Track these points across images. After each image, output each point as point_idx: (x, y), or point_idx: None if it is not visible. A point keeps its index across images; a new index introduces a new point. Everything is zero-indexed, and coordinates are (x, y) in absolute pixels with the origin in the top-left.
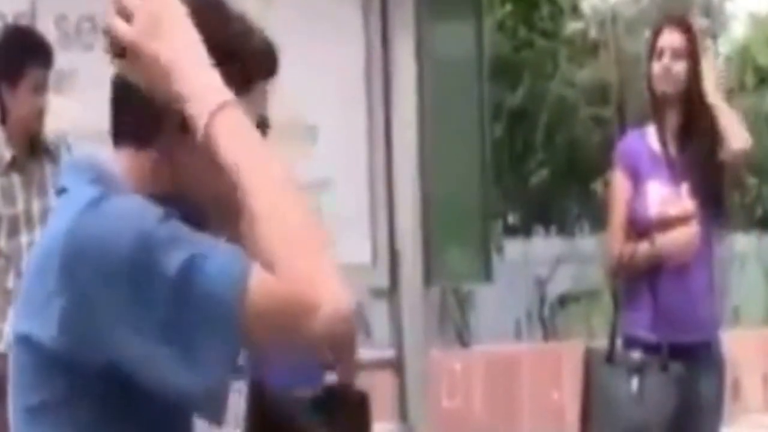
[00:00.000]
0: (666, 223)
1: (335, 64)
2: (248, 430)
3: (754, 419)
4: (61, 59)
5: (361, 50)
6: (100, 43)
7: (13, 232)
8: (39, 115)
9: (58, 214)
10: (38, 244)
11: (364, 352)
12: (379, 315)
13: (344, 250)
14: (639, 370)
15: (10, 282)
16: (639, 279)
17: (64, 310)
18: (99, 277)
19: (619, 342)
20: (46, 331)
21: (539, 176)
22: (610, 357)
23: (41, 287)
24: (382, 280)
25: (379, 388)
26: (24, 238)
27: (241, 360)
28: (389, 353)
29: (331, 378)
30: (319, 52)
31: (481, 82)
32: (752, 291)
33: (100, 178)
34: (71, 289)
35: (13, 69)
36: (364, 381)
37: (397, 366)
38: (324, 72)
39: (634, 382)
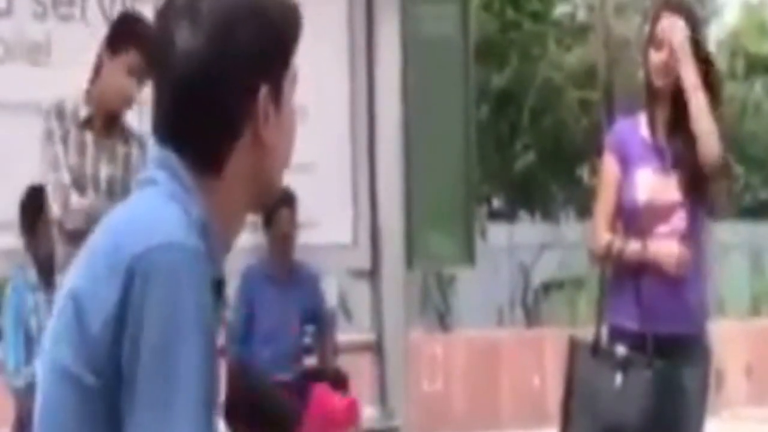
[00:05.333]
0: (654, 211)
1: (319, 44)
2: (228, 409)
3: (736, 411)
4: (37, 30)
5: (345, 31)
6: (77, 15)
7: (80, 188)
8: (121, 95)
9: (142, 205)
10: (117, 217)
11: (345, 335)
12: (360, 297)
13: (326, 231)
14: (623, 366)
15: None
16: (624, 268)
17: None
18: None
19: (604, 330)
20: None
21: (525, 160)
22: (594, 350)
23: (98, 284)
24: (364, 262)
25: (359, 371)
26: (87, 201)
27: (221, 341)
28: (370, 336)
29: (310, 361)
30: (302, 32)
31: (467, 63)
32: (737, 281)
33: (183, 183)
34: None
35: (118, 42)
36: (344, 363)
37: (377, 349)
38: (307, 53)
39: (618, 378)
